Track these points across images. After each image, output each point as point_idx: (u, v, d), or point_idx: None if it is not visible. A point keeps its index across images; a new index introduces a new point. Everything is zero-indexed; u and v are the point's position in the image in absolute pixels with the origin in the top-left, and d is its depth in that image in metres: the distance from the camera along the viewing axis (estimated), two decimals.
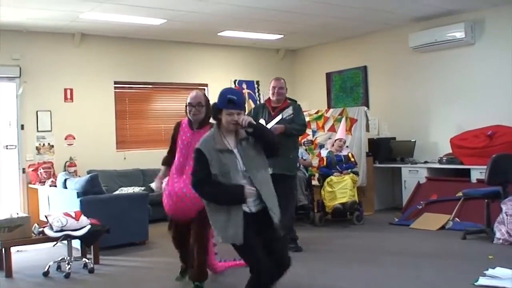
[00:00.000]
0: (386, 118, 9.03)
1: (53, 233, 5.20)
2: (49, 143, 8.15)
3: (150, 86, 9.26)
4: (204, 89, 9.40)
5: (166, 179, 4.50)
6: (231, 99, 3.20)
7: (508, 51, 7.38)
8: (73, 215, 5.35)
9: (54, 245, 5.41)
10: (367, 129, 8.41)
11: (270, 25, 8.36)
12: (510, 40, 7.34)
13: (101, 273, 5.30)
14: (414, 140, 8.40)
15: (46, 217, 5.42)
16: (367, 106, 8.99)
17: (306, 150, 8.21)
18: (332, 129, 8.43)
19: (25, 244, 5.58)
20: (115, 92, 8.82)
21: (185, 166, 4.23)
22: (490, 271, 4.53)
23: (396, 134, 8.83)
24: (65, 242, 5.35)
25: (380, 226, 7.26)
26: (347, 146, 7.85)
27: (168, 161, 4.53)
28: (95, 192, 6.24)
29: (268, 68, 10.13)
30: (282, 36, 9.24)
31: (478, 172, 7.05)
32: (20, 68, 7.89)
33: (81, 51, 8.47)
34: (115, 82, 8.82)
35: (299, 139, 6.95)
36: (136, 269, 5.50)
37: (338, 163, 7.48)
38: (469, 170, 7.30)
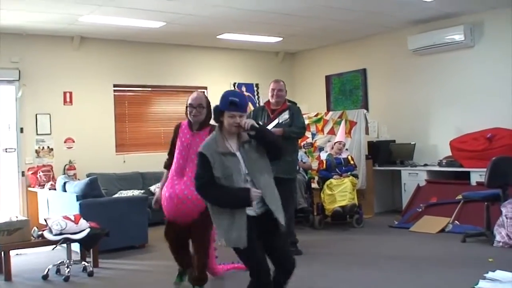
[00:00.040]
0: (385, 120, 9.03)
1: (52, 236, 5.19)
2: (48, 146, 8.14)
3: (150, 89, 9.26)
4: (204, 92, 9.39)
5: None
6: (233, 101, 3.17)
7: (507, 54, 7.38)
8: (73, 218, 5.34)
9: (53, 249, 5.42)
10: (367, 132, 8.42)
11: (269, 27, 8.36)
12: (509, 42, 7.35)
13: (100, 276, 5.30)
14: (413, 142, 8.40)
15: (46, 221, 5.42)
16: (367, 109, 8.99)
17: (305, 153, 8.22)
18: (332, 132, 8.43)
19: (24, 248, 5.59)
20: (114, 95, 8.82)
21: (185, 168, 4.20)
22: (490, 274, 4.52)
23: (396, 136, 8.83)
24: (65, 245, 5.35)
25: (380, 229, 7.25)
26: (346, 149, 7.84)
27: (170, 164, 4.50)
28: (94, 195, 6.24)
29: (267, 71, 10.13)
30: (282, 39, 9.24)
31: (477, 175, 7.05)
32: (19, 71, 7.89)
33: (80, 54, 8.47)
34: (115, 85, 8.82)
35: (299, 142, 6.94)
36: (135, 272, 5.50)
37: (337, 166, 7.47)
38: (468, 172, 7.30)
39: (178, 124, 4.49)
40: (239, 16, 7.53)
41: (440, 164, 7.80)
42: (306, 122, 7.47)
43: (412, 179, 7.98)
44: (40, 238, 5.31)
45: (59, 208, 6.55)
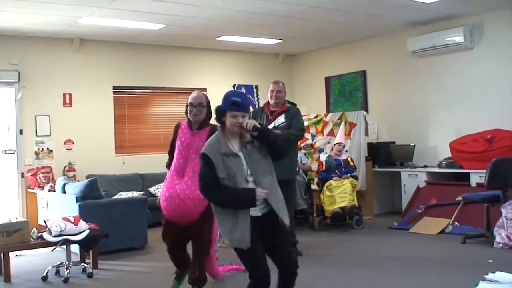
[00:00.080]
0: (385, 122, 9.03)
1: (52, 237, 5.19)
2: (48, 148, 8.14)
3: (149, 90, 9.26)
4: (203, 93, 9.38)
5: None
6: (235, 101, 3.14)
7: (507, 55, 7.38)
8: (72, 219, 5.34)
9: (53, 250, 5.41)
10: (366, 133, 8.42)
11: (269, 29, 8.36)
12: (509, 44, 7.35)
13: (100, 277, 5.29)
14: (413, 144, 8.40)
15: (45, 222, 5.41)
16: (366, 111, 9.00)
17: (305, 154, 8.22)
18: (331, 134, 8.43)
19: (23, 249, 5.57)
20: (114, 96, 8.82)
21: (185, 168, 4.17)
22: (490, 276, 4.50)
23: (395, 138, 8.83)
24: (64, 246, 5.34)
25: (380, 230, 7.25)
26: (346, 151, 7.85)
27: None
28: (94, 197, 6.23)
29: (267, 73, 10.14)
30: (281, 40, 9.24)
31: (477, 176, 7.04)
32: (19, 73, 7.89)
33: (80, 56, 8.47)
34: (114, 87, 8.82)
35: (298, 143, 6.94)
36: (135, 273, 5.49)
37: (337, 168, 7.47)
38: (468, 174, 7.30)
39: (177, 124, 4.47)
40: (238, 18, 7.53)
41: (440, 165, 7.80)
42: (306, 123, 7.48)
43: (412, 180, 7.97)
44: (40, 239, 5.30)
45: (59, 209, 6.54)
